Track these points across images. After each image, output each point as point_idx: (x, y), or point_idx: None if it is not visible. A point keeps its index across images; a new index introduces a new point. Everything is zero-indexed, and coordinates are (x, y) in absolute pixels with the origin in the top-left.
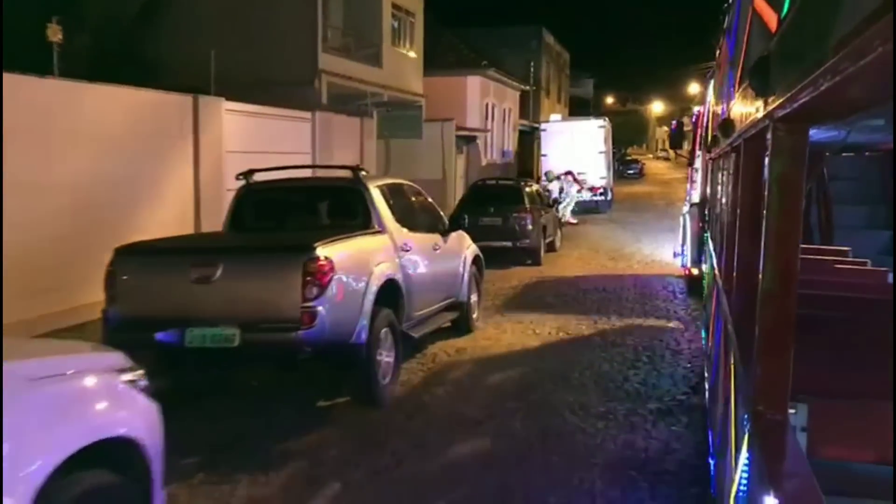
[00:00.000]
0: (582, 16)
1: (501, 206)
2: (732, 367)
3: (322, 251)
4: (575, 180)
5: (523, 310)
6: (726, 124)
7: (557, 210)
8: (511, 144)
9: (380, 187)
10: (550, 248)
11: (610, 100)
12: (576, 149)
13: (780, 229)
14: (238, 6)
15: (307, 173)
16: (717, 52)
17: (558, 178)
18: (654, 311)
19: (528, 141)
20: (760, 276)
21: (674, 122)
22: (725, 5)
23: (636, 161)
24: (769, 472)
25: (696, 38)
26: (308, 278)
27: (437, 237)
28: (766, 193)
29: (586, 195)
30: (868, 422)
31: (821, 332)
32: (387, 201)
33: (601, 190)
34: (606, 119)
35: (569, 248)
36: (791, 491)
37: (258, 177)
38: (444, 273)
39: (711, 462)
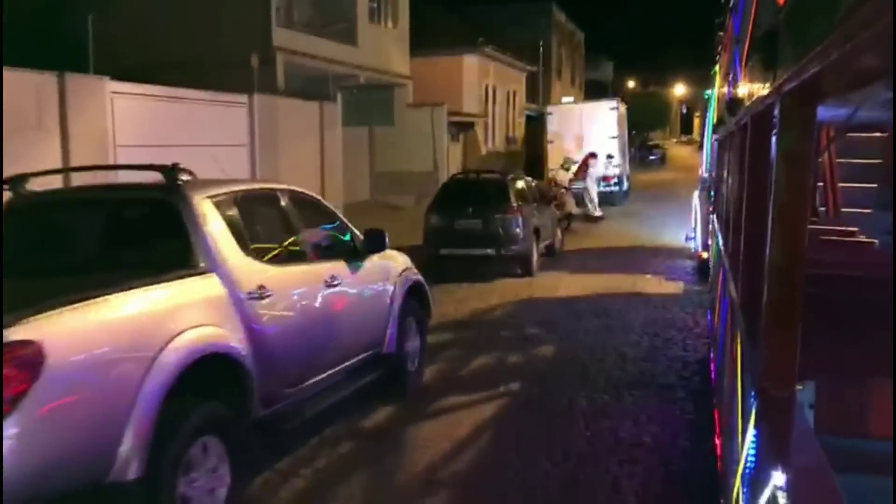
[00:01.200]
0: None
1: (482, 206)
2: (739, 346)
3: (20, 330)
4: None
5: (491, 348)
6: (733, 103)
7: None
8: (517, 131)
9: (214, 199)
10: (549, 251)
11: (631, 83)
12: (585, 134)
13: (788, 205)
14: None
15: (113, 177)
16: (723, 32)
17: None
18: (669, 345)
19: (538, 127)
20: (768, 252)
21: (684, 105)
22: None
23: (658, 146)
24: (777, 449)
25: (721, 15)
26: None
27: (335, 267)
28: (773, 170)
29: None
30: (875, 399)
31: (828, 311)
32: (228, 221)
33: (615, 179)
34: (620, 100)
35: (571, 252)
36: (800, 466)
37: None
38: (352, 318)
39: (718, 443)
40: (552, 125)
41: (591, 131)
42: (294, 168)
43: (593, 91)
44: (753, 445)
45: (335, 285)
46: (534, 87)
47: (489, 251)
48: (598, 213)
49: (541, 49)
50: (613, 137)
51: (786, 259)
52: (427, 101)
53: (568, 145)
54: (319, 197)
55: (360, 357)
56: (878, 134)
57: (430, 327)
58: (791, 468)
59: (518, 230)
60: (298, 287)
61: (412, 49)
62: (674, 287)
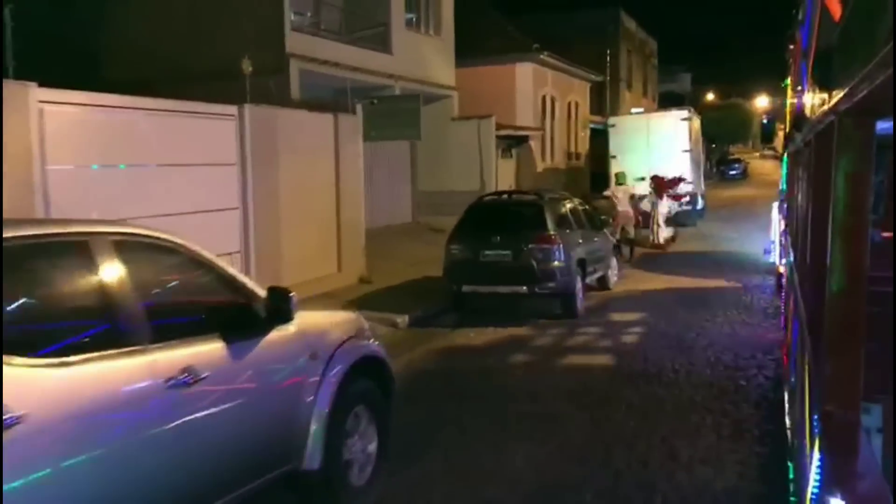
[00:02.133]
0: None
1: (513, 233)
2: (807, 366)
3: None
4: (660, 187)
5: (490, 436)
6: (799, 119)
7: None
8: (580, 146)
9: None
10: (603, 285)
11: (711, 96)
12: (653, 148)
13: (847, 226)
14: None
15: None
16: (792, 45)
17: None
18: (738, 435)
19: (603, 141)
20: (828, 272)
21: (766, 116)
22: None
23: (739, 160)
24: (837, 474)
25: (791, 26)
26: None
27: (197, 352)
28: (832, 189)
29: (666, 206)
30: None
31: None
32: None
33: (686, 198)
34: (692, 110)
35: (629, 285)
36: (860, 494)
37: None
38: (228, 429)
39: (790, 465)
40: (615, 138)
41: (659, 145)
42: (299, 190)
43: (668, 103)
44: (818, 470)
45: (190, 382)
46: (601, 98)
47: (521, 289)
48: (664, 236)
49: (608, 58)
50: (686, 151)
51: (846, 279)
52: (473, 113)
53: (633, 161)
54: (185, 242)
55: (256, 483)
56: None
57: (413, 396)
58: (851, 495)
59: (557, 263)
60: (96, 397)
61: (461, 58)
62: (748, 328)
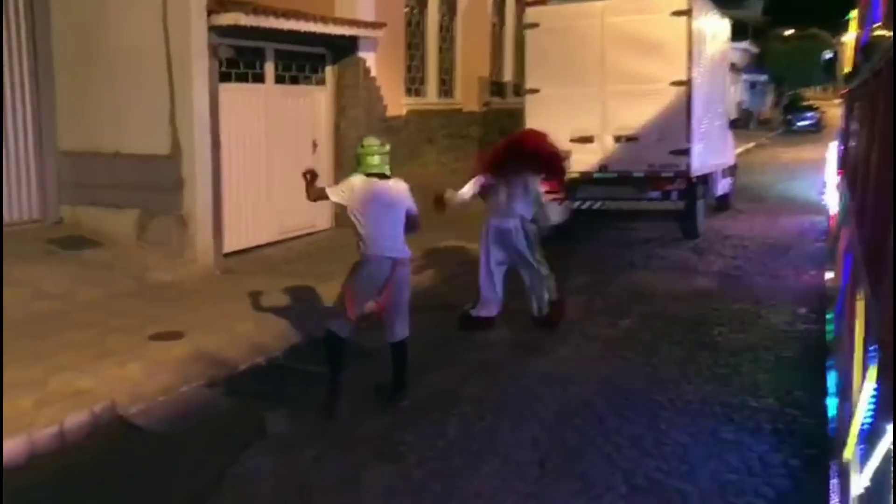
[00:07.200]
0: None
1: None
2: (862, 302)
3: None
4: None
5: None
6: (868, 47)
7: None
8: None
9: None
10: None
11: (789, 31)
12: (610, 74)
13: None
14: None
15: None
16: None
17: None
18: None
19: None
20: None
21: (826, 52)
22: None
23: (812, 108)
24: (893, 401)
25: None
26: None
27: None
28: None
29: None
30: None
31: None
32: None
33: (679, 184)
34: (698, 2)
35: None
36: None
37: None
38: None
39: (831, 403)
40: (536, 52)
41: (625, 68)
42: None
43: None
44: (873, 400)
45: None
46: None
47: None
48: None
49: None
50: (680, 83)
51: None
52: None
53: (572, 100)
54: None
55: None
56: None
57: None
58: None
59: None
60: None
61: None
62: None
